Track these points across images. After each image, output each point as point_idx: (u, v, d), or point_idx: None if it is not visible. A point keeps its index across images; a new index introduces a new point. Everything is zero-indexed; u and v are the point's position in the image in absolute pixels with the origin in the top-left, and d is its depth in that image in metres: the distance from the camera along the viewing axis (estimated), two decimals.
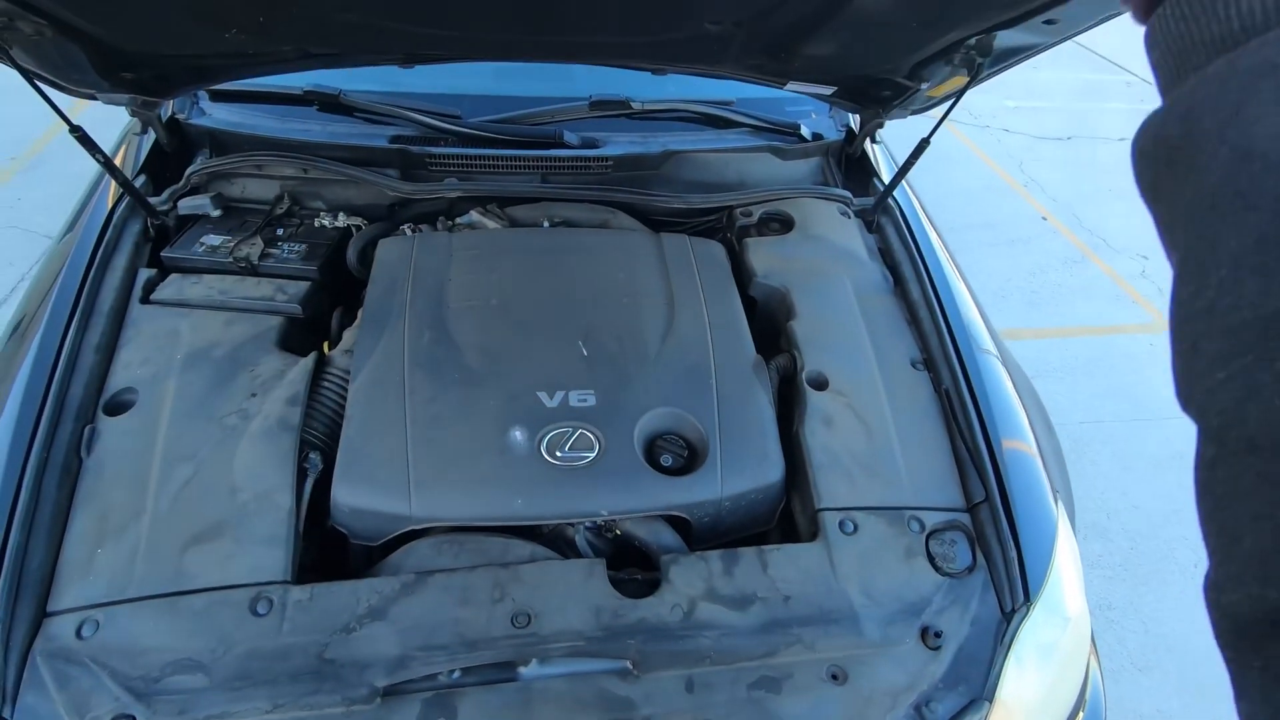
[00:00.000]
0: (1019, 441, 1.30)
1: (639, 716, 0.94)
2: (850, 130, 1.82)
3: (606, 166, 1.61)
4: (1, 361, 1.24)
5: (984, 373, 1.37)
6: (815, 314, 1.42)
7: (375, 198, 1.55)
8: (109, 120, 1.57)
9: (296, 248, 1.45)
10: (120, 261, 1.36)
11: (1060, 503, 1.25)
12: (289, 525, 1.05)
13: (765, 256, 1.51)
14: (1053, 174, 4.51)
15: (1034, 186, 4.36)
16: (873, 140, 1.91)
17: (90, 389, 1.18)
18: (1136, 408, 2.84)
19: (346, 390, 1.23)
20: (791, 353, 1.37)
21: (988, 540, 1.18)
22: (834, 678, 1.01)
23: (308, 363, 1.24)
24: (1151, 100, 5.69)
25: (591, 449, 1.16)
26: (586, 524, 1.14)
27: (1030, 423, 1.33)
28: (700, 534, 1.20)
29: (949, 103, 1.51)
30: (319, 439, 1.19)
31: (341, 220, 1.51)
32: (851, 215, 1.68)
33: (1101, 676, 1.23)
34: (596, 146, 1.63)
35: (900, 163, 1.64)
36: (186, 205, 1.48)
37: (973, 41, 1.22)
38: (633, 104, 1.64)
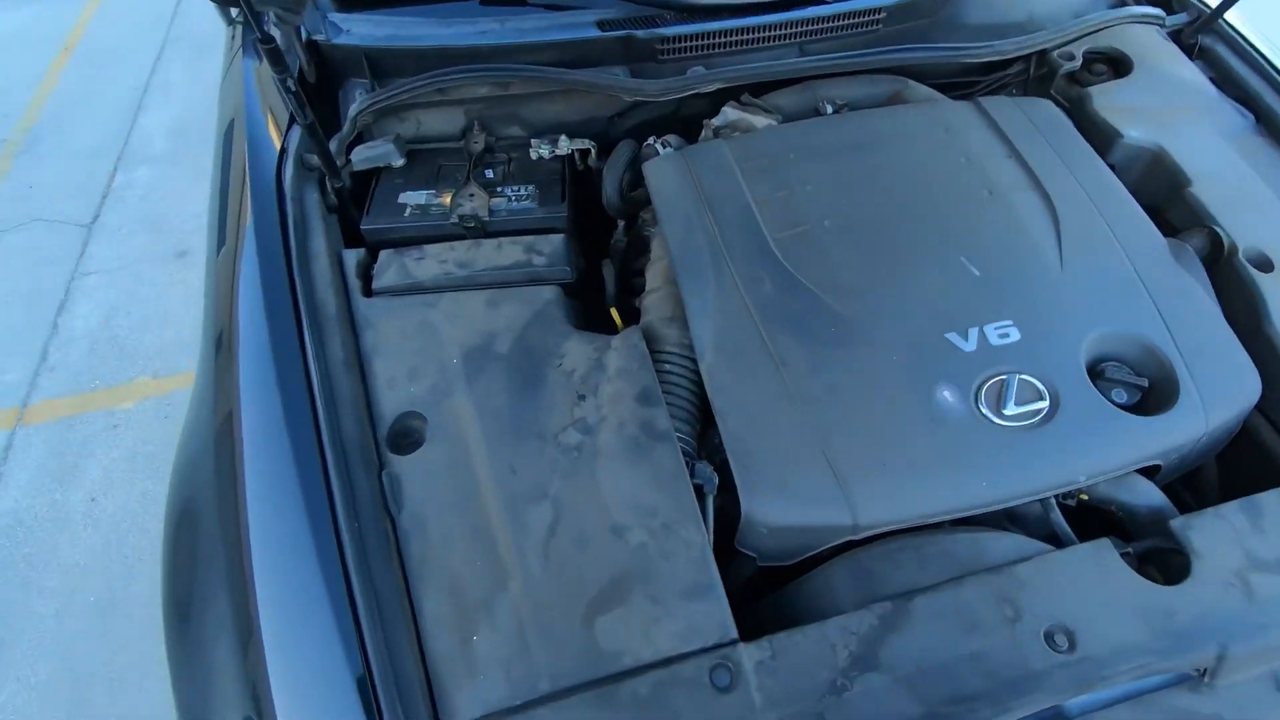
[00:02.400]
0: None
1: None
2: None
3: (878, 20, 1.23)
4: (211, 393, 0.95)
5: None
6: (1212, 174, 1.10)
7: (594, 109, 1.20)
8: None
9: (523, 191, 1.11)
10: (318, 245, 1.03)
11: None
12: (711, 565, 0.79)
13: (1117, 110, 1.17)
14: None
15: None
16: None
17: (363, 422, 0.89)
18: None
19: (694, 371, 0.94)
20: (1211, 228, 1.06)
21: None
22: None
23: (636, 343, 0.94)
24: None
25: (1041, 398, 0.88)
26: (1058, 496, 0.88)
27: None
28: (1162, 478, 0.95)
29: None
30: (688, 441, 0.91)
31: (564, 145, 1.16)
32: (1167, 39, 1.32)
33: None
34: None
35: None
36: (363, 157, 1.13)
37: None
38: None
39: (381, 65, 1.18)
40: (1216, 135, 1.16)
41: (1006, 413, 0.87)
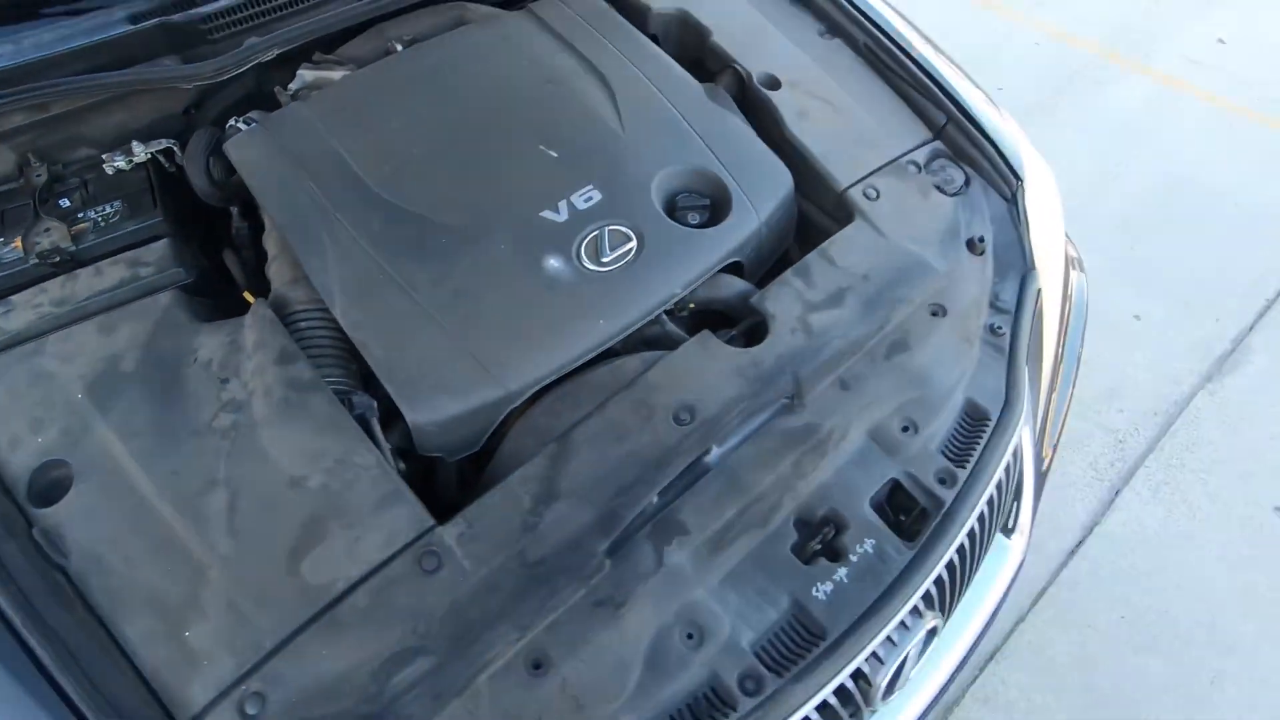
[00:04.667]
0: (942, 59, 1.38)
1: (823, 431, 0.97)
2: None
3: None
4: None
5: (891, 25, 1.40)
6: (725, 23, 1.34)
7: (161, 108, 1.15)
8: None
9: (109, 209, 1.06)
10: None
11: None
12: (392, 475, 0.87)
13: None
14: None
15: None
16: None
17: None
18: None
19: (332, 321, 0.98)
20: (732, 67, 1.29)
21: (967, 152, 1.28)
22: (934, 315, 1.09)
23: (263, 311, 0.96)
24: None
25: (629, 240, 1.05)
26: (671, 311, 1.07)
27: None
28: (751, 271, 1.18)
29: None
30: (343, 382, 0.96)
31: (140, 152, 1.11)
32: None
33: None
34: None
35: None
36: None
37: None
38: None
39: None
40: None
41: (604, 260, 1.03)
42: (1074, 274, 1.39)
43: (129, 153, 1.10)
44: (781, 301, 1.07)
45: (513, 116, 1.15)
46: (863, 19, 1.37)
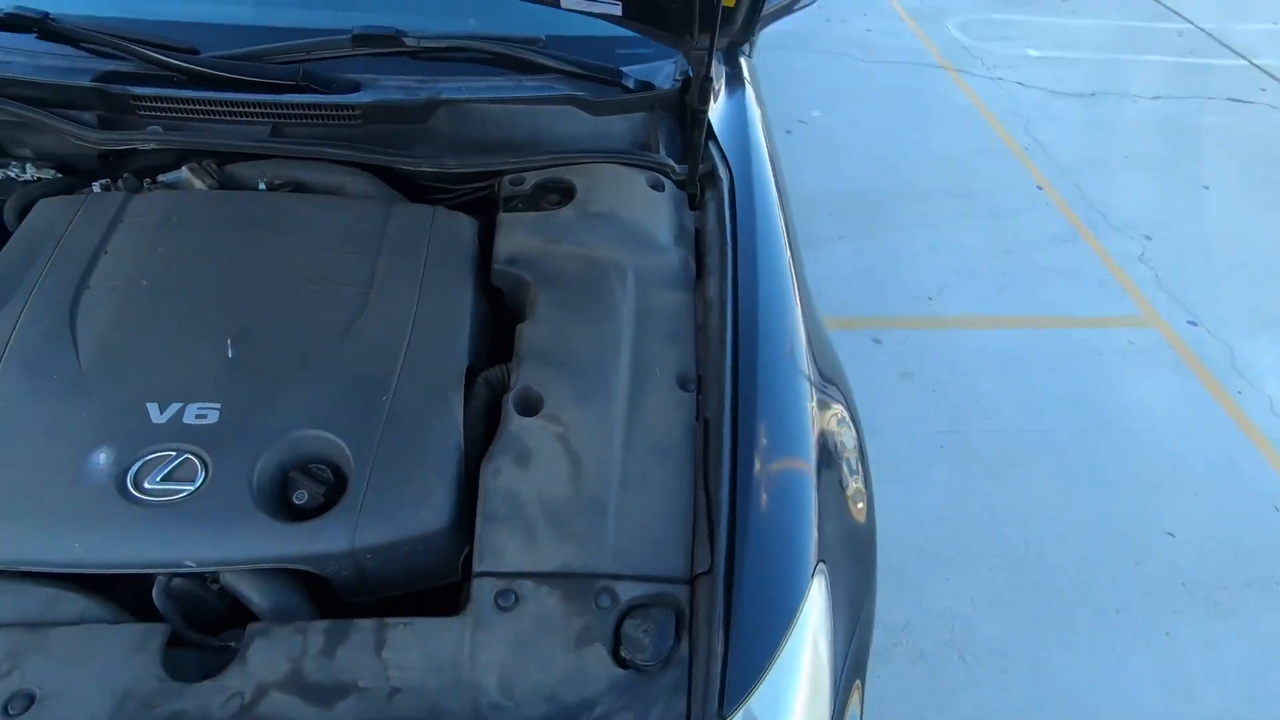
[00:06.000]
0: (796, 460, 1.03)
1: None
2: (688, 78, 1.48)
3: (353, 117, 1.32)
4: None
5: (775, 391, 1.10)
6: (558, 314, 1.14)
7: (78, 148, 1.31)
8: None
9: None
10: None
11: (823, 574, 0.98)
12: None
13: (520, 237, 1.22)
14: (1062, 136, 3.98)
15: (1036, 150, 3.86)
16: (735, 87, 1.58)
17: None
18: (1092, 417, 2.47)
19: None
20: (502, 366, 1.10)
21: (698, 625, 0.92)
22: None
23: None
24: (1204, 52, 5.02)
25: (194, 480, 0.92)
26: (170, 575, 0.91)
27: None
28: (350, 588, 0.97)
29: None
30: None
31: (31, 172, 1.27)
32: (668, 187, 1.37)
33: None
34: (355, 91, 1.34)
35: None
36: None
37: None
38: (407, 40, 1.34)
39: None
40: (627, 280, 1.20)
41: (147, 486, 0.91)
42: None
43: (23, 168, 1.27)
44: (270, 650, 0.84)
45: (254, 299, 1.09)
46: (731, 376, 1.08)
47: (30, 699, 0.79)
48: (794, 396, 1.13)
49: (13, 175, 1.28)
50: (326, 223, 1.19)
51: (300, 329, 1.06)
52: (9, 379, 0.98)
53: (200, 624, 0.91)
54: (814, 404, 1.16)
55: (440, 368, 1.06)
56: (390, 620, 0.88)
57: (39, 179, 1.28)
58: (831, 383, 1.28)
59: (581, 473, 0.99)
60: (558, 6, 1.19)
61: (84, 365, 1.00)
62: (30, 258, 1.10)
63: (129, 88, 1.26)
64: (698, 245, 1.32)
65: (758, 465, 1.02)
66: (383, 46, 1.34)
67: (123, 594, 0.92)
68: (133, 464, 0.92)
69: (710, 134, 1.45)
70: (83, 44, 1.31)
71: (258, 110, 1.29)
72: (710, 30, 1.08)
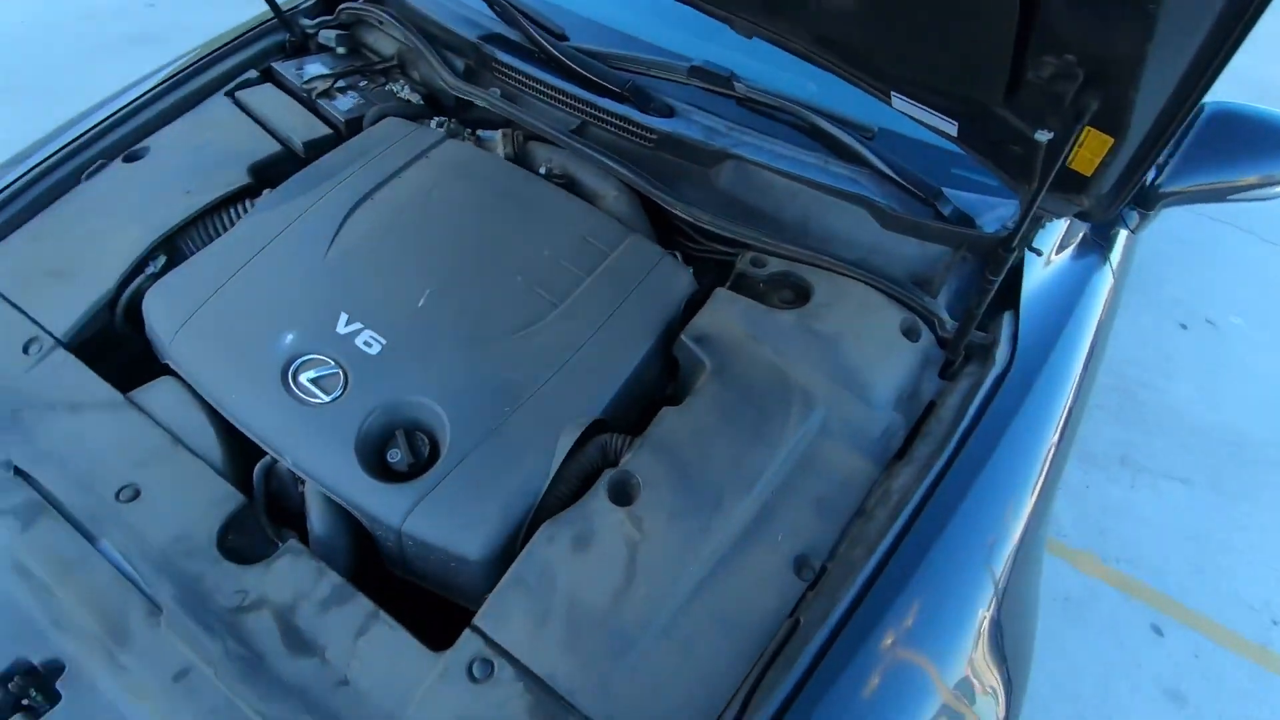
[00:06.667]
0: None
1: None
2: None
3: (648, 141, 1.32)
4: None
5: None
6: (711, 415, 1.01)
7: (440, 86, 1.52)
8: None
9: (354, 100, 1.50)
10: (242, 58, 1.55)
11: None
12: None
13: (723, 319, 1.11)
14: None
15: None
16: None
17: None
18: None
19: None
20: (626, 438, 1.01)
21: None
22: None
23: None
24: None
25: (330, 394, 1.01)
26: (274, 460, 1.02)
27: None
28: (391, 559, 0.99)
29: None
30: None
31: (407, 93, 1.52)
32: (924, 340, 1.14)
33: None
34: (667, 113, 1.34)
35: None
36: (324, 36, 1.62)
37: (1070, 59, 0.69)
38: (737, 85, 1.30)
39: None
40: (809, 417, 1.03)
41: (300, 379, 1.02)
42: None
43: (402, 88, 1.51)
44: (292, 571, 0.90)
45: (467, 265, 1.16)
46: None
47: (136, 494, 0.95)
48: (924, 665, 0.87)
49: (394, 89, 1.53)
50: (568, 226, 1.22)
51: (483, 310, 1.11)
52: (281, 246, 1.17)
53: (274, 512, 1.00)
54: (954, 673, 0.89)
55: (571, 408, 1.02)
56: (385, 615, 0.88)
57: (408, 101, 1.52)
58: (1004, 662, 0.97)
59: (630, 593, 0.88)
60: (887, 103, 1.04)
61: (327, 259, 1.16)
62: (354, 158, 1.30)
63: (496, 51, 1.43)
64: (920, 420, 1.08)
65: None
66: (713, 84, 1.32)
67: (244, 456, 1.05)
68: (302, 355, 1.04)
69: (1011, 303, 1.17)
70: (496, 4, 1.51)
71: (577, 105, 1.36)
72: (1038, 190, 0.84)
